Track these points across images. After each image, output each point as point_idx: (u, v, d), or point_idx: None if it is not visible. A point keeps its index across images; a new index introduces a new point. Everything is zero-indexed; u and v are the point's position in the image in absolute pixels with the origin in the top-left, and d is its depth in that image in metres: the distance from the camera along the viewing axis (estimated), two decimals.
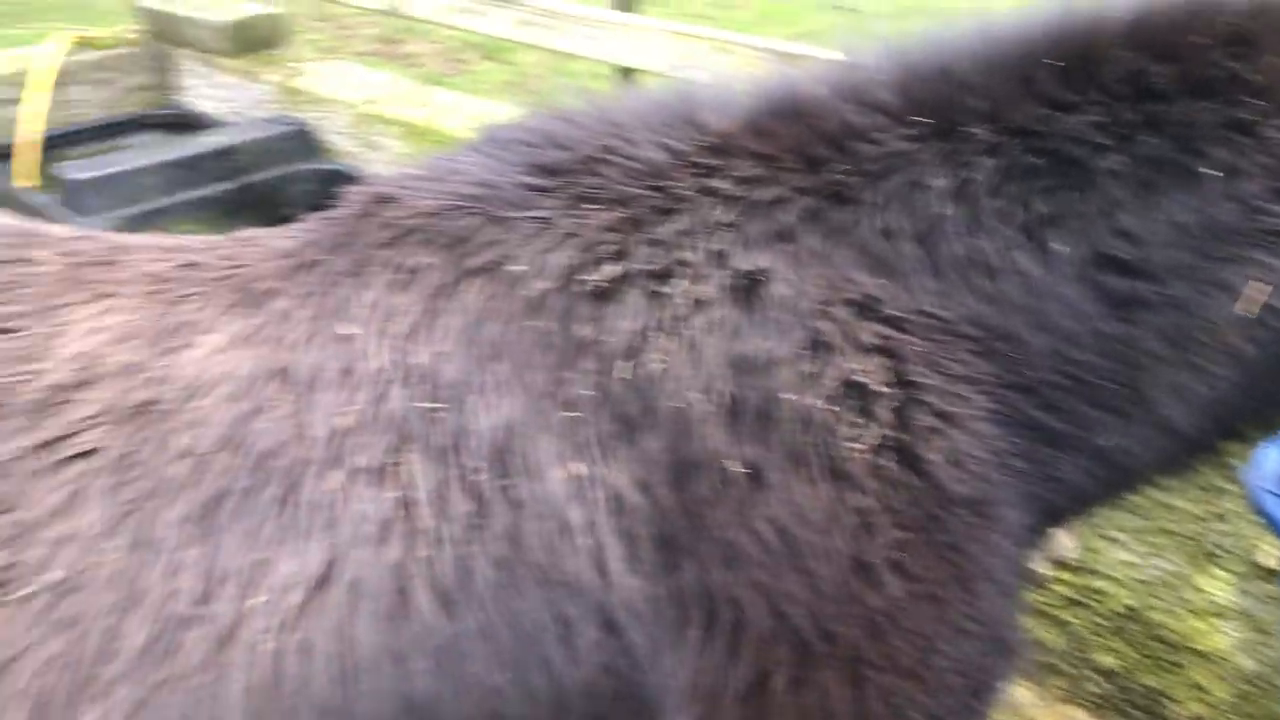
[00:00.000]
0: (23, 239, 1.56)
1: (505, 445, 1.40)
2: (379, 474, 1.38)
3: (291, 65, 5.97)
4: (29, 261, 1.52)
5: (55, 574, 1.30)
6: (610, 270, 1.48)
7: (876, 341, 1.46)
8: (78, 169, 4.94)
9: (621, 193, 1.54)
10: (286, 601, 1.32)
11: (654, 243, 1.50)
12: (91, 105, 6.11)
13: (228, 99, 6.08)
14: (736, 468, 1.42)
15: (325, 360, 1.43)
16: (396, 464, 1.38)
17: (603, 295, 1.47)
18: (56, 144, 5.62)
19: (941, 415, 1.46)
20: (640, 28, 4.68)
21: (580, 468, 1.41)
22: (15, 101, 5.75)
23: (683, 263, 1.49)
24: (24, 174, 5.43)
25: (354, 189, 1.62)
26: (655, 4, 9.04)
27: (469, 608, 1.36)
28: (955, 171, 1.52)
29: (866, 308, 1.48)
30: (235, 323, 1.47)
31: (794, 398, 1.43)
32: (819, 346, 1.45)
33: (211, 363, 1.42)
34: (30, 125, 5.61)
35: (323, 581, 1.34)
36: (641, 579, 1.41)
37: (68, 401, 1.38)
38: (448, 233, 1.52)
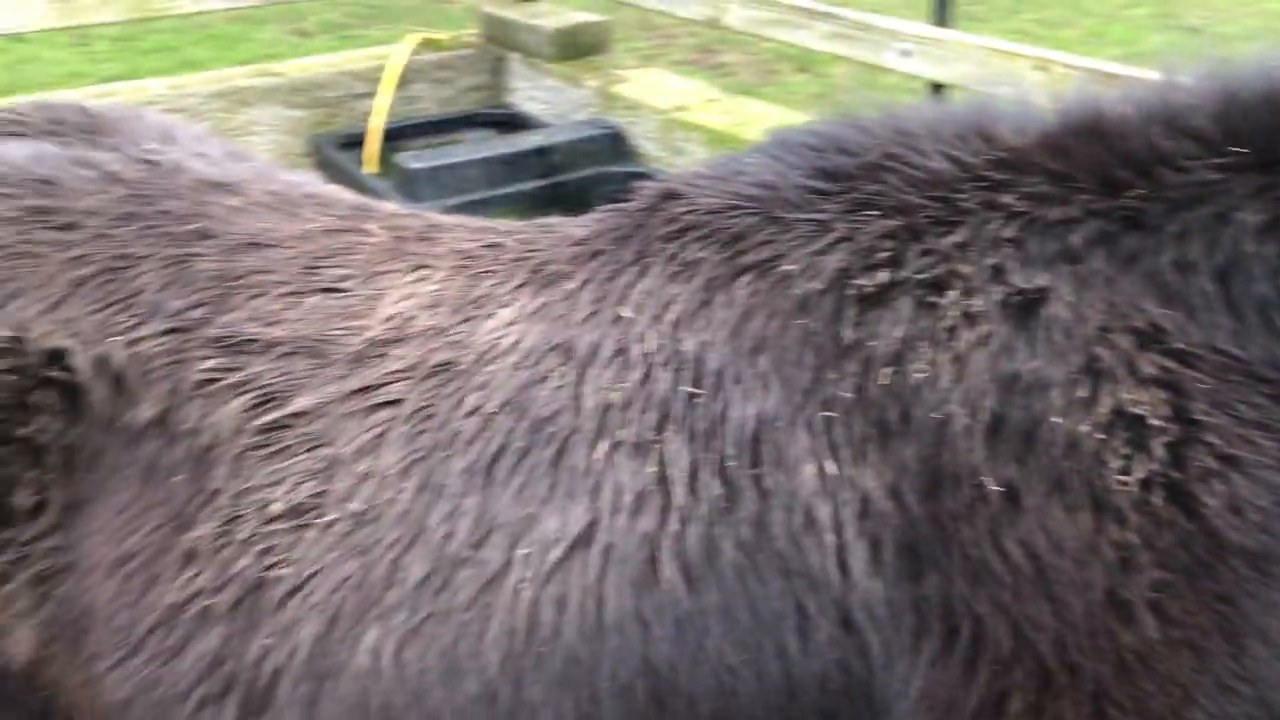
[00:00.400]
0: (359, 213, 1.78)
1: (759, 436, 1.46)
2: (640, 449, 1.47)
3: (612, 71, 6.27)
4: (362, 232, 1.73)
5: (355, 505, 1.48)
6: (882, 276, 1.50)
7: (1158, 373, 1.41)
8: (414, 159, 5.41)
9: (902, 201, 1.55)
10: (547, 556, 1.44)
11: (929, 253, 1.50)
12: (431, 102, 6.66)
13: (550, 101, 6.46)
14: (992, 486, 1.40)
15: (602, 340, 1.54)
16: (657, 441, 1.47)
17: (872, 300, 1.49)
18: (398, 136, 6.17)
19: (1224, 458, 1.39)
20: (955, 43, 4.61)
21: (831, 466, 1.45)
22: (368, 95, 6.36)
23: (957, 275, 1.48)
24: (370, 161, 6.00)
25: (644, 185, 1.72)
26: (977, 20, 8.82)
27: (712, 586, 1.43)
28: (1270, 207, 1.43)
29: (1151, 338, 1.42)
30: (527, 299, 1.60)
31: (1062, 422, 1.40)
32: (1094, 372, 1.41)
33: (503, 333, 1.57)
34: (376, 118, 6.18)
35: (581, 542, 1.44)
36: (882, 582, 1.43)
37: (381, 356, 1.56)
38: (726, 230, 1.60)
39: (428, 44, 6.69)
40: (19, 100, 2.23)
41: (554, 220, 1.79)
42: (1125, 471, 1.38)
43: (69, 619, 1.55)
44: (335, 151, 5.97)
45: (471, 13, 7.07)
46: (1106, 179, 1.50)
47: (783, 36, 5.42)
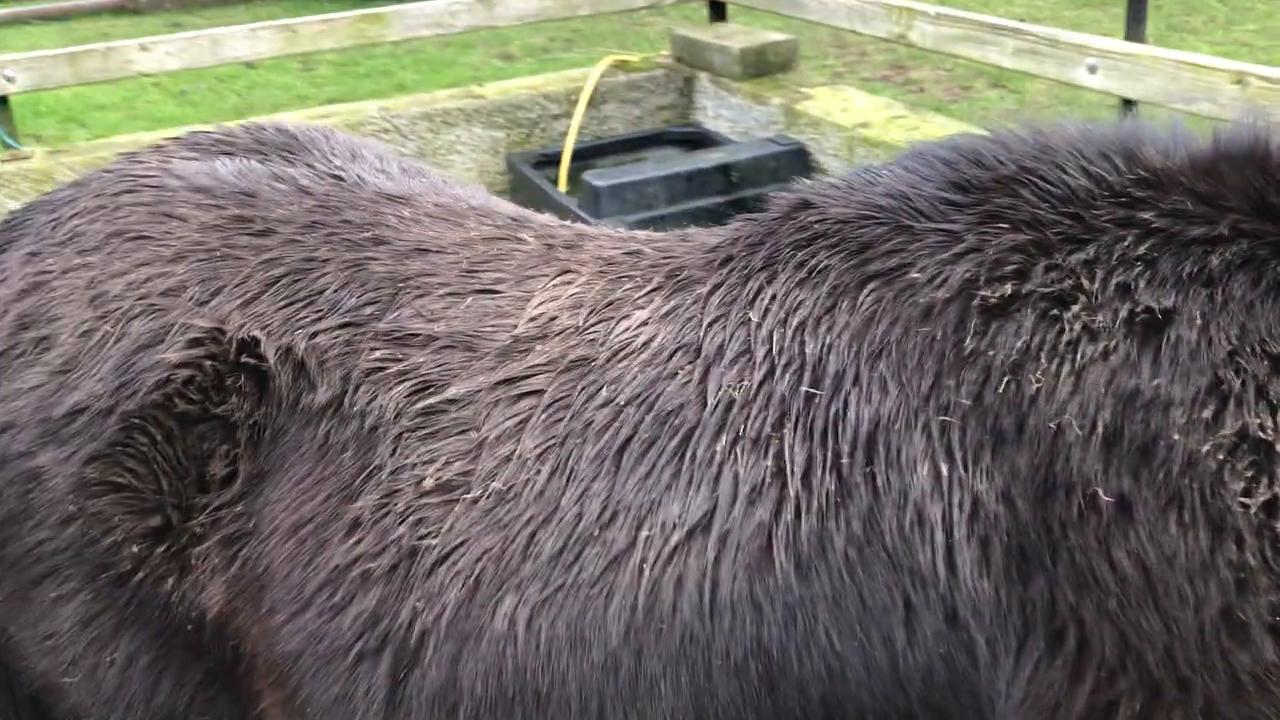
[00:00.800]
0: (515, 223, 1.94)
1: (875, 436, 1.51)
2: (759, 444, 1.55)
3: (797, 89, 6.35)
4: (517, 240, 1.88)
5: (497, 484, 1.62)
6: (1007, 289, 1.51)
7: None
8: (599, 177, 5.63)
9: (1033, 215, 1.56)
10: (668, 539, 1.54)
11: (1056, 268, 1.51)
12: (621, 121, 6.91)
13: (736, 119, 6.59)
14: (1105, 496, 1.41)
15: (728, 340, 1.63)
16: (775, 437, 1.55)
17: (995, 311, 1.51)
18: (590, 154, 6.43)
19: None
20: (1146, 57, 4.49)
21: (945, 468, 1.48)
22: (563, 116, 6.65)
23: (1082, 290, 1.48)
24: (564, 180, 6.28)
25: (780, 196, 1.81)
26: (1192, 33, 8.45)
27: (822, 575, 1.50)
28: None
29: None
30: (660, 302, 1.71)
31: (1181, 439, 1.39)
32: (1221, 394, 1.39)
33: (636, 332, 1.68)
34: (570, 138, 6.46)
35: (700, 528, 1.53)
36: (989, 582, 1.45)
37: (526, 351, 1.70)
38: (855, 238, 1.65)
39: (619, 65, 6.95)
40: (246, 121, 2.51)
41: (691, 230, 1.90)
42: (1247, 494, 1.36)
43: (252, 576, 1.75)
44: (530, 169, 6.28)
45: (667, 35, 7.29)
46: (1260, 204, 1.47)
47: (970, 53, 5.38)
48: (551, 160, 6.38)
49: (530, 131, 6.71)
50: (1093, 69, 4.63)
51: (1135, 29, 4.79)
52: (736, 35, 6.89)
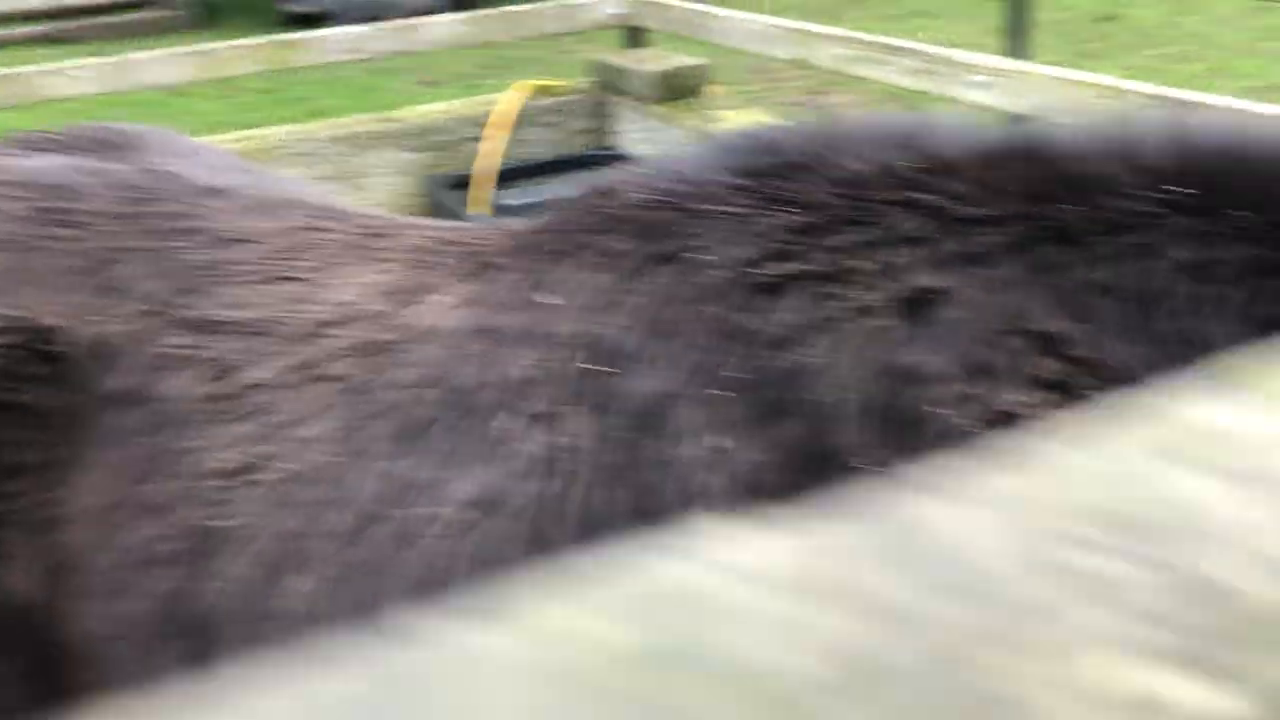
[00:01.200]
0: (332, 213, 1.97)
1: (654, 410, 1.57)
2: (545, 420, 1.60)
3: (708, 112, 6.45)
4: (330, 230, 1.92)
5: (294, 466, 1.65)
6: (780, 268, 1.58)
7: (1052, 378, 1.42)
8: (505, 197, 5.68)
9: (813, 199, 1.62)
10: (455, 516, 1.58)
11: (830, 249, 1.56)
12: (542, 144, 6.97)
13: (651, 141, 6.68)
14: (870, 466, 1.45)
15: (523, 323, 1.68)
16: (561, 414, 1.60)
17: (768, 289, 1.57)
18: (509, 177, 6.47)
19: None
20: (1029, 74, 4.63)
21: (721, 441, 1.54)
22: (476, 139, 6.70)
23: (854, 270, 1.53)
24: (476, 202, 6.32)
25: (586, 184, 1.86)
26: (1093, 57, 8.68)
27: (604, 545, 1.54)
28: (1201, 250, 1.43)
29: (1054, 343, 1.44)
30: (463, 287, 1.76)
31: (945, 413, 1.44)
32: (984, 372, 1.44)
33: (437, 317, 1.72)
34: (485, 161, 6.51)
35: (484, 503, 1.57)
36: None
37: (327, 336, 1.74)
38: (645, 222, 1.71)
39: (542, 90, 7.01)
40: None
41: (506, 220, 1.94)
42: None
43: (61, 562, 1.76)
44: (444, 192, 6.31)
45: (591, 62, 7.39)
46: (1037, 192, 1.51)
47: (870, 73, 5.48)
48: (466, 183, 6.41)
49: (446, 155, 6.75)
50: (980, 86, 4.76)
51: (1017, 44, 4.93)
52: (651, 60, 6.99)
